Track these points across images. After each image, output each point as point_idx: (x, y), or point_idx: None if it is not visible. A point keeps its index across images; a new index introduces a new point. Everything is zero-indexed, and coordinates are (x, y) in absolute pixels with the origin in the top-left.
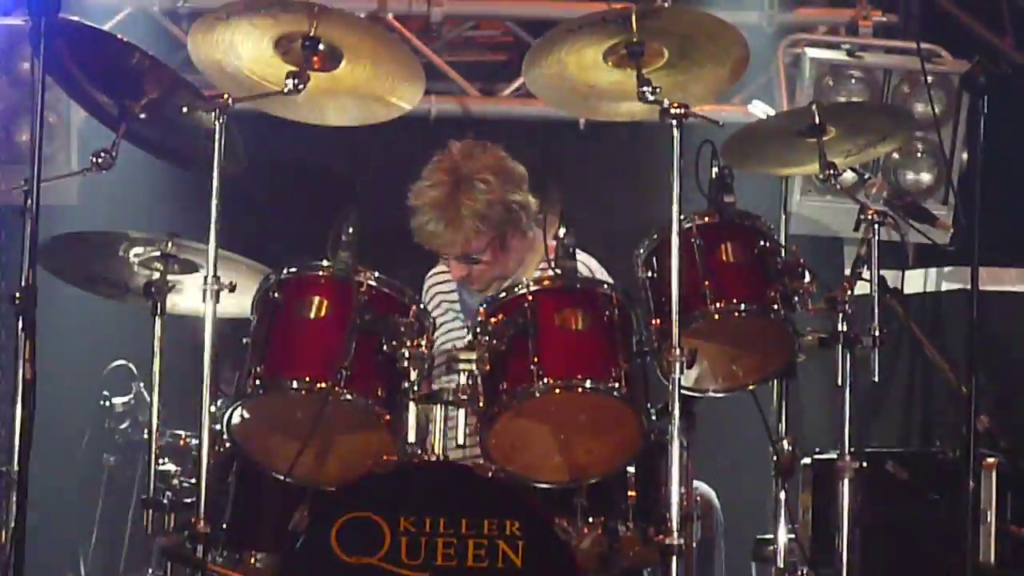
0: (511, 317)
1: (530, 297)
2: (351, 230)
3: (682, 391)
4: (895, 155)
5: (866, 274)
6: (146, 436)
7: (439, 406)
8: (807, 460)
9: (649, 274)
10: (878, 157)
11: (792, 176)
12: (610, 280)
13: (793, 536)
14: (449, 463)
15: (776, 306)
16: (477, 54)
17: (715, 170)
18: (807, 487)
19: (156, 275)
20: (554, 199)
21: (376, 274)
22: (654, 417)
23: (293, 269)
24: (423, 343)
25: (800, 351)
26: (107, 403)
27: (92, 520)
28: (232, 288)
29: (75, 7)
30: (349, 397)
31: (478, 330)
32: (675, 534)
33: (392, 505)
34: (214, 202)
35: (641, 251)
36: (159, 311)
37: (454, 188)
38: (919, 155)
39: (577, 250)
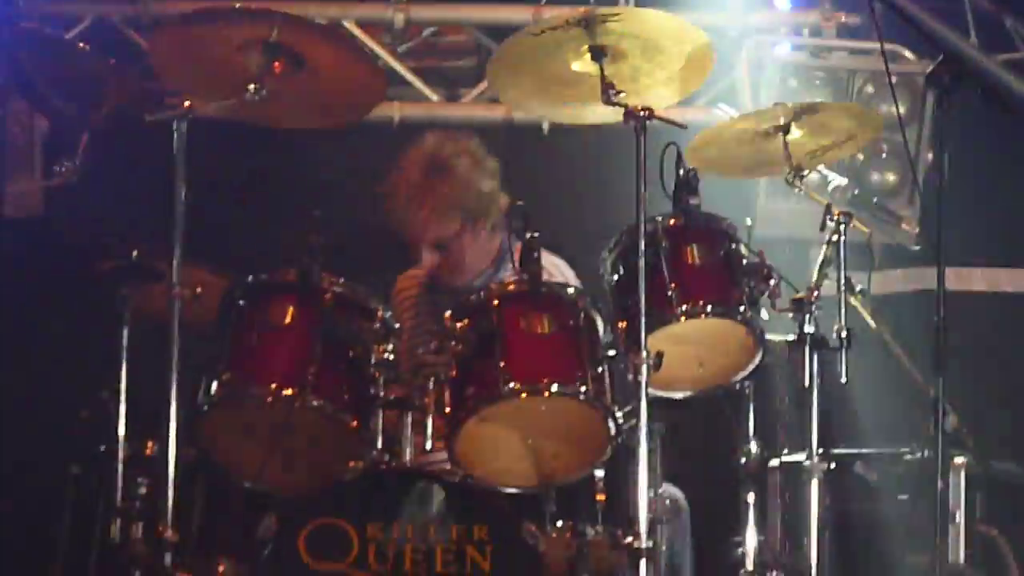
0: (477, 322)
1: (496, 302)
2: (316, 236)
3: (649, 394)
4: (860, 156)
5: (832, 275)
6: (112, 445)
7: (406, 412)
8: (775, 462)
9: (615, 277)
10: (843, 158)
11: (757, 178)
12: (578, 280)
13: (762, 538)
14: (416, 469)
15: (743, 308)
16: (440, 60)
17: (680, 173)
18: (776, 489)
19: (121, 283)
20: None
21: (341, 280)
22: (621, 420)
23: (258, 276)
24: (389, 348)
25: (767, 353)
26: (72, 412)
27: (59, 530)
28: (197, 296)
29: (35, 17)
30: (316, 403)
31: (444, 335)
32: (644, 537)
33: (360, 511)
34: (177, 210)
35: (607, 254)
36: (124, 319)
37: (428, 172)
38: (884, 156)
39: (545, 252)
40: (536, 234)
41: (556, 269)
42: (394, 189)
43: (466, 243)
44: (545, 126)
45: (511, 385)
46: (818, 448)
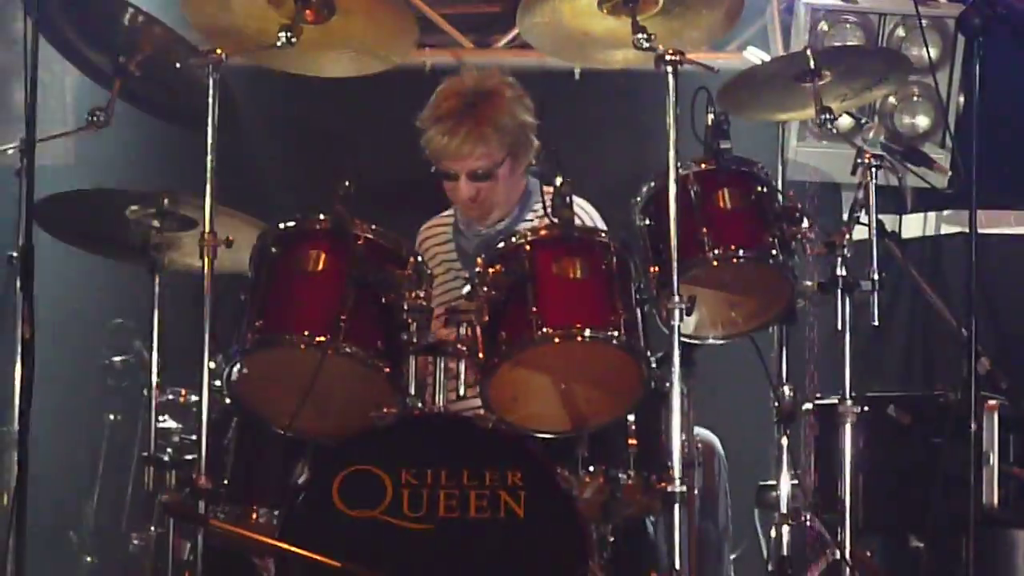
0: (509, 267)
1: (528, 247)
2: (348, 184)
3: (682, 338)
4: (891, 99)
5: (864, 218)
6: (146, 393)
7: (439, 358)
8: (808, 405)
9: (647, 222)
10: (874, 101)
11: (788, 122)
12: (604, 226)
13: (796, 482)
14: (450, 415)
15: (775, 252)
16: (471, 6)
17: (711, 117)
18: (809, 432)
19: (153, 232)
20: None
21: (373, 226)
22: (654, 365)
23: (290, 223)
24: (421, 295)
25: (799, 296)
26: (107, 361)
27: (94, 478)
28: (229, 244)
29: None
30: (348, 350)
31: (476, 281)
32: (677, 481)
33: (393, 458)
34: (209, 158)
35: (638, 199)
36: (157, 268)
37: (474, 98)
38: (915, 99)
39: (574, 197)
40: (569, 179)
41: (583, 212)
42: (434, 118)
43: (503, 176)
44: (577, 71)
45: (544, 330)
46: (851, 391)
